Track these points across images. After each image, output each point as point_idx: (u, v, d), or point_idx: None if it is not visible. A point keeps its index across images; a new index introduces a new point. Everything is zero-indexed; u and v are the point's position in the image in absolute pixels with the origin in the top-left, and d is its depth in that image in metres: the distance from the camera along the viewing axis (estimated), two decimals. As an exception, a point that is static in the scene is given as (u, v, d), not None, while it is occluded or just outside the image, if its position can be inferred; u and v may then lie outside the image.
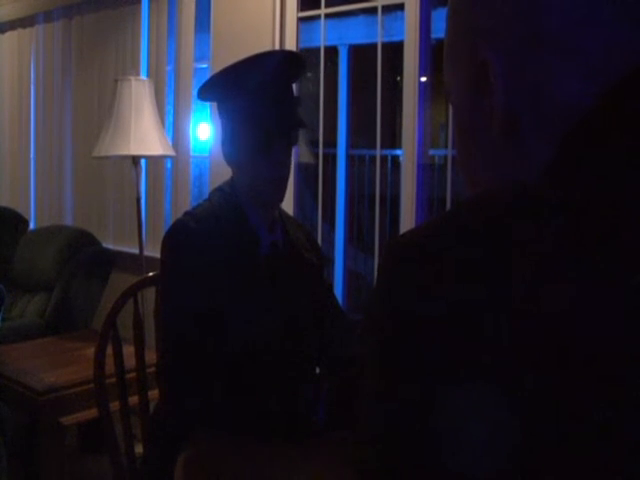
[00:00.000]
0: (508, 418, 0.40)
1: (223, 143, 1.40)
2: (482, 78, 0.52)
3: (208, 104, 3.03)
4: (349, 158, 5.10)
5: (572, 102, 0.48)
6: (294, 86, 1.40)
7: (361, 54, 5.57)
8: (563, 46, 0.48)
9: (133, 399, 1.64)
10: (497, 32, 0.51)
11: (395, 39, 2.77)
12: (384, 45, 2.50)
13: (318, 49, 2.69)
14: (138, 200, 2.75)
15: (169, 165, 3.27)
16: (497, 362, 0.40)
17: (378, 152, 2.56)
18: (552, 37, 0.48)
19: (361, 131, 5.09)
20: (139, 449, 1.63)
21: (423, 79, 2.34)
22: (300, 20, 2.68)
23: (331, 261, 3.53)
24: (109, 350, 1.57)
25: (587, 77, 0.48)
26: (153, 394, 1.61)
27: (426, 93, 2.35)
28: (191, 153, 3.17)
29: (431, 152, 2.57)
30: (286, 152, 1.38)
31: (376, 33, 2.56)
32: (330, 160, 4.15)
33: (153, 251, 3.05)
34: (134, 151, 2.59)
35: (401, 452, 0.43)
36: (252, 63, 1.34)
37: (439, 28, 2.73)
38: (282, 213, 1.50)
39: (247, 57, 1.34)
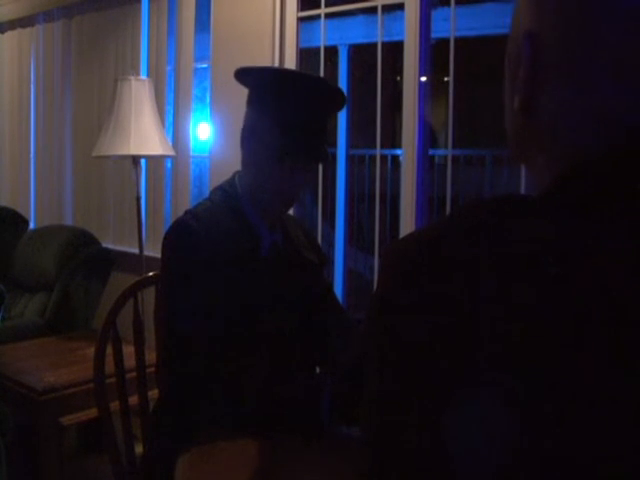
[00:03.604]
0: (508, 419, 0.40)
1: (247, 136, 1.38)
2: (520, 49, 0.52)
3: (208, 104, 3.03)
4: (349, 158, 5.10)
5: (583, 134, 0.49)
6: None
7: (361, 54, 5.57)
8: (590, 81, 0.48)
9: (133, 399, 1.64)
10: (546, 32, 0.50)
11: (395, 39, 2.77)
12: (384, 45, 2.50)
13: (318, 49, 2.69)
14: (138, 200, 2.75)
15: (169, 165, 3.27)
16: (496, 364, 0.40)
17: (378, 152, 2.56)
18: (585, 70, 0.48)
19: (361, 131, 5.09)
20: (139, 449, 1.63)
21: (423, 79, 2.34)
22: (300, 20, 2.68)
23: (331, 261, 3.53)
24: (109, 350, 1.57)
25: (603, 118, 0.48)
26: (153, 394, 1.61)
27: (426, 93, 2.35)
28: (191, 153, 3.17)
29: (431, 152, 2.57)
30: (304, 174, 1.38)
31: (376, 33, 2.56)
32: (330, 160, 4.15)
33: (153, 251, 3.05)
34: (134, 151, 2.59)
35: (402, 453, 0.43)
36: (315, 81, 1.36)
37: (439, 28, 2.73)
38: (282, 213, 1.50)
39: (312, 74, 1.39)
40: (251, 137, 1.36)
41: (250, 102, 1.39)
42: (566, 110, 0.49)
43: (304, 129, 1.33)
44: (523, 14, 0.53)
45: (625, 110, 0.47)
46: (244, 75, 1.39)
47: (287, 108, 1.32)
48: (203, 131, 3.87)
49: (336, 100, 1.38)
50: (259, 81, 1.36)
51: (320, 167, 2.70)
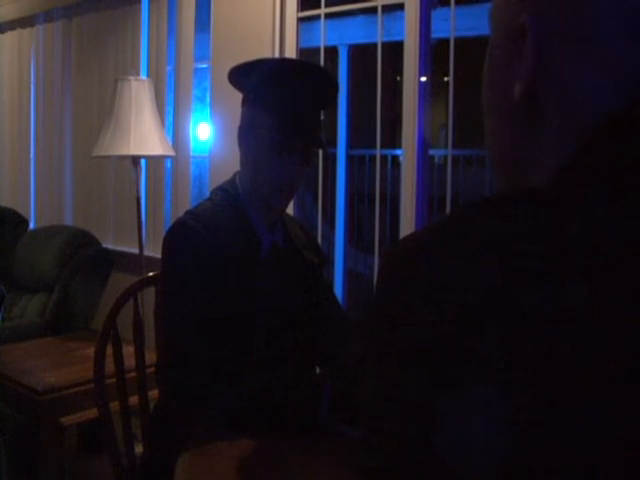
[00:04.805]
0: (508, 418, 0.40)
1: (244, 134, 1.39)
2: (517, 41, 0.52)
3: (208, 104, 3.03)
4: (349, 158, 5.10)
5: (599, 104, 0.48)
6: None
7: (361, 54, 5.57)
8: (601, 48, 0.48)
9: (133, 399, 1.64)
10: (545, 8, 0.50)
11: (395, 39, 2.77)
12: (384, 45, 2.50)
13: (318, 49, 2.69)
14: (138, 200, 2.75)
15: (169, 165, 3.27)
16: (496, 364, 0.41)
17: (378, 152, 2.56)
18: (593, 36, 0.48)
19: (361, 131, 5.09)
20: (139, 449, 1.63)
21: (423, 79, 2.34)
22: (300, 20, 2.68)
23: (331, 261, 3.53)
24: (109, 350, 1.57)
25: (619, 82, 0.47)
26: (153, 394, 1.61)
27: (426, 93, 2.35)
28: (191, 153, 3.17)
29: (431, 152, 2.57)
30: (302, 164, 1.38)
31: (376, 33, 2.56)
32: (330, 160, 4.15)
33: (153, 251, 3.05)
34: (134, 151, 2.59)
35: (402, 453, 0.43)
36: (311, 69, 1.38)
37: (439, 28, 2.73)
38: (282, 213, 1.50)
39: (307, 62, 1.42)
40: (248, 133, 1.37)
41: (246, 100, 1.39)
42: (579, 82, 0.49)
43: (301, 119, 1.33)
44: (515, 5, 0.52)
45: None
46: (240, 77, 1.39)
47: (284, 99, 1.33)
48: (203, 131, 3.87)
49: (331, 87, 1.39)
50: (257, 78, 1.37)
51: (320, 167, 2.71)
